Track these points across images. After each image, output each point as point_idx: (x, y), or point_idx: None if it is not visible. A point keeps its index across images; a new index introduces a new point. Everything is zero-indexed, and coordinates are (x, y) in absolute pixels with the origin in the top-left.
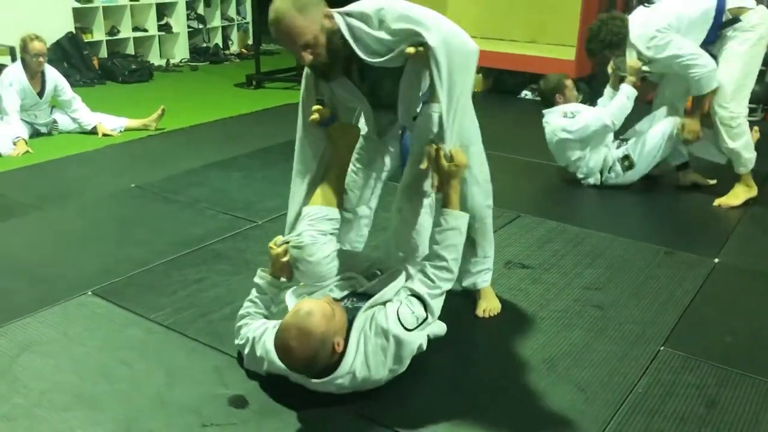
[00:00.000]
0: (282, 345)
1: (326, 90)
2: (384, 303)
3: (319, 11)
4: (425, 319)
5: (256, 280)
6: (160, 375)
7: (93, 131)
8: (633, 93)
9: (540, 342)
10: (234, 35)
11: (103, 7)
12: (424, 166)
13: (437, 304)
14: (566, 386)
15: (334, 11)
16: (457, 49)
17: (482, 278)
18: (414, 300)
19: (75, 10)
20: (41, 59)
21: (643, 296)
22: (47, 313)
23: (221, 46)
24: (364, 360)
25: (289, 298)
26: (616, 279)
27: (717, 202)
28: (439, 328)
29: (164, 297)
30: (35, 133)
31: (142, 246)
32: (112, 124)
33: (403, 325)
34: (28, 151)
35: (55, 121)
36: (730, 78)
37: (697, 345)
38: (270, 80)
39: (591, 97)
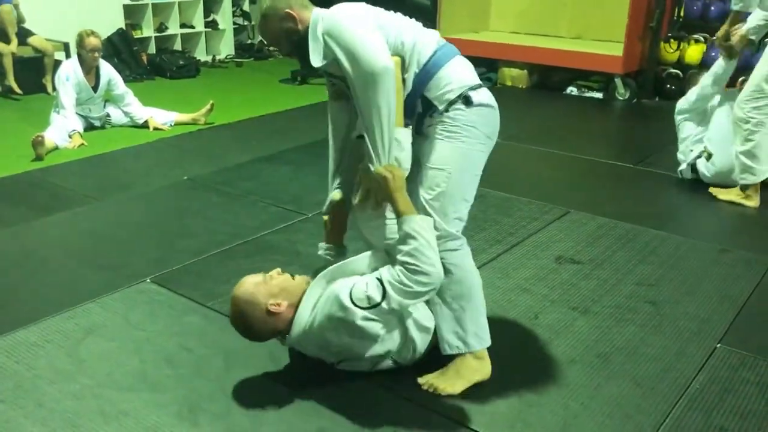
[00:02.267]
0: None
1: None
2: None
3: (276, 18)
4: (378, 304)
5: (320, 253)
6: (218, 360)
7: (144, 125)
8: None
9: (593, 337)
10: None
11: (152, 4)
12: (357, 200)
13: (402, 299)
14: (622, 380)
15: (315, 10)
16: (360, 72)
17: (446, 342)
18: (374, 282)
19: (125, 7)
20: (96, 54)
21: (698, 293)
22: (109, 299)
23: (265, 43)
24: (315, 321)
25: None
26: (669, 276)
27: (713, 190)
28: (422, 341)
29: (220, 285)
30: (89, 127)
31: (196, 236)
32: (162, 118)
33: (352, 300)
34: (83, 144)
35: (108, 115)
36: (759, 76)
37: (755, 343)
38: (314, 76)
39: (638, 93)
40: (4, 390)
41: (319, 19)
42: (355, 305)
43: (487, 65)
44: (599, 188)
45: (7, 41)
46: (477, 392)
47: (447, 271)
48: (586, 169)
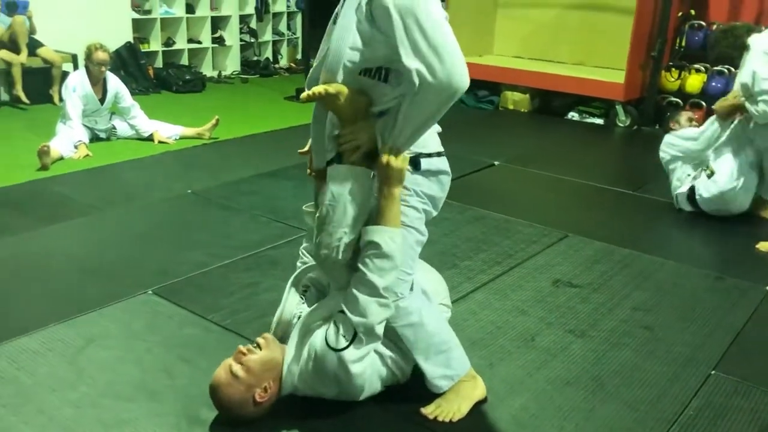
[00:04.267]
0: None
1: None
2: (321, 320)
3: None
4: (354, 337)
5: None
6: None
7: (149, 138)
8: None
9: (589, 360)
10: (284, 50)
11: (160, 18)
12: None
13: (366, 312)
14: (616, 404)
15: None
16: (439, 79)
17: (435, 386)
18: (340, 319)
19: (134, 21)
20: (104, 68)
21: (693, 320)
22: (110, 309)
23: (271, 60)
24: (302, 379)
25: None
26: (665, 301)
27: (760, 245)
28: (369, 385)
29: (221, 298)
30: (95, 138)
31: (199, 249)
32: (168, 131)
33: (330, 346)
34: (88, 155)
35: (114, 127)
36: None
37: (750, 370)
38: None
39: (638, 120)
40: (5, 395)
41: None
42: (336, 349)
43: (489, 88)
44: (598, 213)
45: (17, 51)
46: (472, 412)
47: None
48: (586, 194)
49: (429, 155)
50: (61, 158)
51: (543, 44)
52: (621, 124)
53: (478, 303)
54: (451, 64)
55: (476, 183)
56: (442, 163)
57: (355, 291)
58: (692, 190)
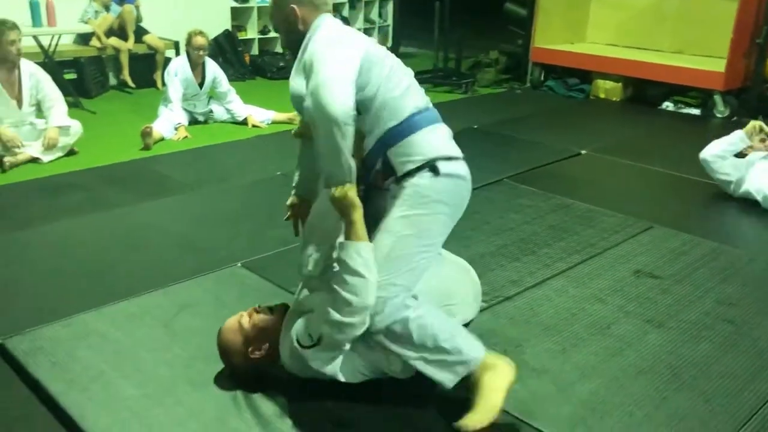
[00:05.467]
0: None
1: None
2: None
3: (283, 6)
4: (316, 343)
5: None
6: None
7: (244, 122)
8: None
9: (666, 350)
10: (374, 37)
11: (257, 7)
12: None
13: (332, 333)
14: (690, 395)
15: (321, 19)
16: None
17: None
18: (311, 318)
19: (233, 10)
20: (202, 53)
21: None
22: (202, 279)
23: None
24: (286, 352)
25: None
26: (751, 296)
27: None
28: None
29: None
30: (193, 121)
31: (285, 227)
32: (261, 116)
33: (298, 341)
34: (187, 137)
35: (211, 111)
36: None
37: None
38: None
39: (738, 111)
40: (107, 353)
41: (316, 29)
42: (301, 345)
43: (581, 77)
44: (687, 205)
45: (125, 39)
46: (541, 393)
47: (401, 333)
48: (675, 186)
49: (445, 159)
50: (162, 139)
51: (639, 32)
52: (719, 115)
53: (554, 290)
54: (325, 99)
55: (561, 171)
56: (459, 167)
57: (326, 301)
58: None
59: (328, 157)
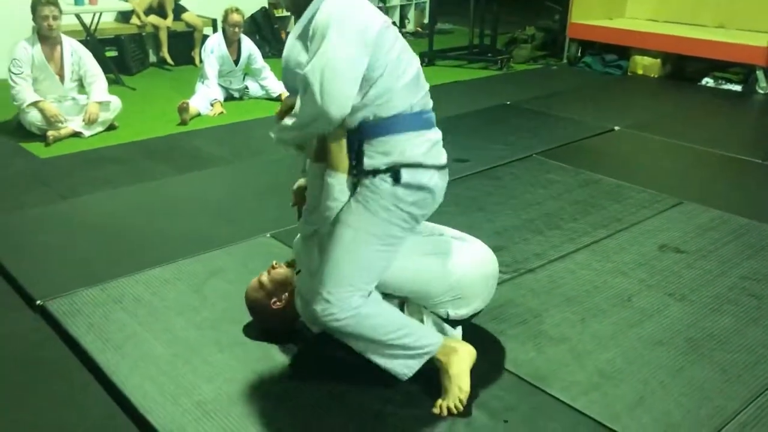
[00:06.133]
0: None
1: None
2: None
3: None
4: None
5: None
6: None
7: (278, 99)
8: None
9: (685, 322)
10: (411, 14)
11: None
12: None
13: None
14: (707, 365)
15: None
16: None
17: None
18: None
19: None
20: (237, 29)
21: None
22: (233, 248)
23: (398, 24)
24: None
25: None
26: None
27: None
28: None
29: None
30: (229, 97)
31: None
32: None
33: None
34: (222, 112)
35: (246, 87)
36: None
37: None
38: (442, 58)
39: None
40: (140, 315)
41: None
42: None
43: (618, 53)
44: (719, 181)
45: (164, 16)
46: (557, 361)
47: (353, 329)
48: (708, 162)
49: (414, 166)
50: (199, 114)
51: (680, 6)
52: (761, 91)
53: (577, 263)
54: (327, 89)
55: (592, 147)
56: (426, 178)
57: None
58: None
59: (296, 124)
